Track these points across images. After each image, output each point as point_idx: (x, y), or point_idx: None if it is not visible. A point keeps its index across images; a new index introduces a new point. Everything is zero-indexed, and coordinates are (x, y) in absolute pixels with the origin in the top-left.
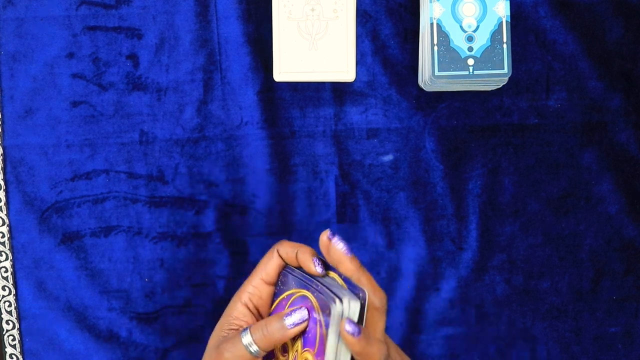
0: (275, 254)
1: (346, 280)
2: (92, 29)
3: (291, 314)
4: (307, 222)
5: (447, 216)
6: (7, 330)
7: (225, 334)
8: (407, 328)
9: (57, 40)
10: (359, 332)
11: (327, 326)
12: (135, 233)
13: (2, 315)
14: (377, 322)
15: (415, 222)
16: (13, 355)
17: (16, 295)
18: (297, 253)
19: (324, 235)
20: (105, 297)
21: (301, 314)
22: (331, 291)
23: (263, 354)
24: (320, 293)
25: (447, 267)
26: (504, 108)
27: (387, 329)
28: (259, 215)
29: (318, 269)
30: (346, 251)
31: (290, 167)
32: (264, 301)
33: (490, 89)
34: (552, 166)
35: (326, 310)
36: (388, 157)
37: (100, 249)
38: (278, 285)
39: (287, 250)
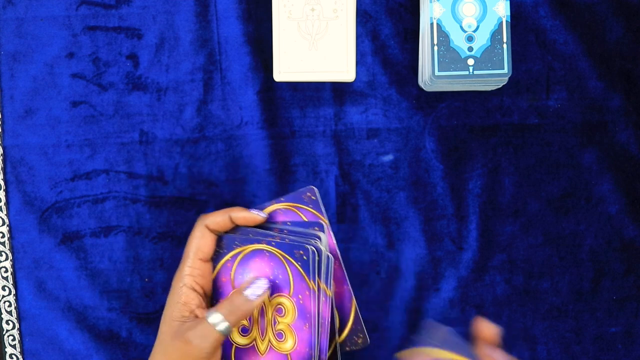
0: (204, 229)
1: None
2: (92, 29)
3: (251, 286)
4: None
5: (447, 216)
6: (7, 330)
7: (181, 322)
8: (407, 328)
9: (57, 40)
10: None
11: (305, 269)
12: (135, 233)
13: (2, 315)
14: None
15: (415, 222)
16: (13, 355)
17: (16, 295)
18: (229, 216)
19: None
20: (105, 297)
21: (262, 284)
22: (295, 241)
23: (232, 329)
24: (284, 243)
25: (447, 267)
26: (504, 108)
27: (387, 329)
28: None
29: (262, 215)
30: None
31: (290, 167)
32: (207, 279)
33: (490, 89)
34: (552, 166)
35: (297, 254)
36: (388, 157)
37: (100, 249)
38: (215, 251)
39: (216, 220)
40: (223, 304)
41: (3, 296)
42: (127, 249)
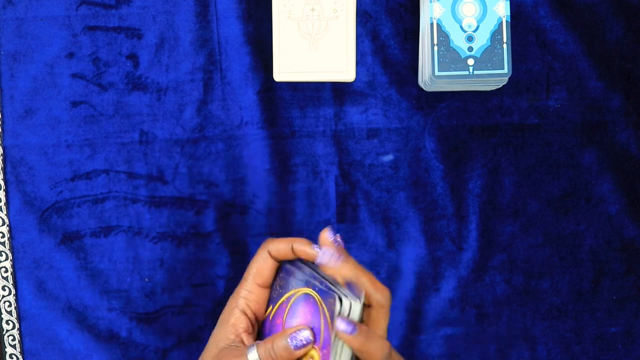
0: (266, 255)
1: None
2: (92, 29)
3: (296, 335)
4: (307, 222)
5: (447, 216)
6: (7, 330)
7: (225, 344)
8: (407, 328)
9: (57, 40)
10: (354, 329)
11: (331, 318)
12: (135, 233)
13: (2, 315)
14: (381, 320)
15: (415, 222)
16: (13, 355)
17: (16, 295)
18: (292, 246)
19: (324, 234)
20: (105, 297)
21: (305, 336)
22: (332, 288)
23: None
24: (322, 289)
25: (447, 267)
26: (504, 108)
27: (387, 329)
28: (259, 215)
29: (317, 252)
30: (337, 259)
31: (290, 167)
32: (261, 305)
33: (490, 89)
34: (552, 166)
35: (329, 305)
36: (388, 157)
37: (100, 249)
38: (276, 288)
39: (278, 248)
40: (264, 344)
41: (3, 296)
42: (127, 249)
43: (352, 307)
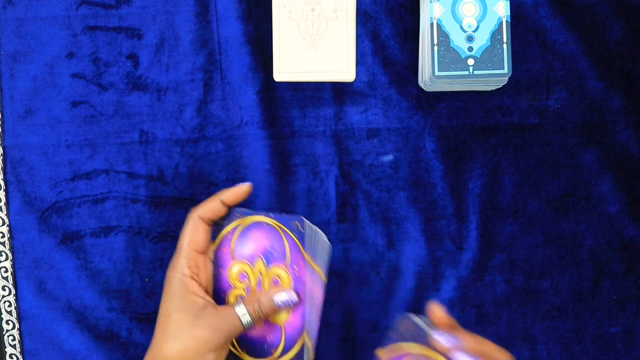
0: (198, 220)
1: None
2: (92, 29)
3: (280, 293)
4: None
5: (447, 216)
6: (7, 330)
7: (197, 310)
8: None
9: (57, 40)
10: (455, 340)
11: (300, 240)
12: (135, 233)
13: (2, 315)
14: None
15: (415, 222)
16: (13, 355)
17: (16, 295)
18: (220, 200)
19: (435, 310)
20: (105, 297)
21: (291, 295)
22: (286, 215)
23: (252, 325)
24: (278, 215)
25: (447, 267)
26: (504, 108)
27: (387, 329)
28: None
29: (247, 184)
30: (454, 340)
31: (290, 167)
32: (202, 271)
33: (490, 89)
34: (552, 166)
35: (293, 227)
36: (388, 157)
37: (100, 249)
38: (215, 225)
39: (208, 208)
40: (250, 300)
41: (3, 296)
42: (127, 249)
43: (310, 227)
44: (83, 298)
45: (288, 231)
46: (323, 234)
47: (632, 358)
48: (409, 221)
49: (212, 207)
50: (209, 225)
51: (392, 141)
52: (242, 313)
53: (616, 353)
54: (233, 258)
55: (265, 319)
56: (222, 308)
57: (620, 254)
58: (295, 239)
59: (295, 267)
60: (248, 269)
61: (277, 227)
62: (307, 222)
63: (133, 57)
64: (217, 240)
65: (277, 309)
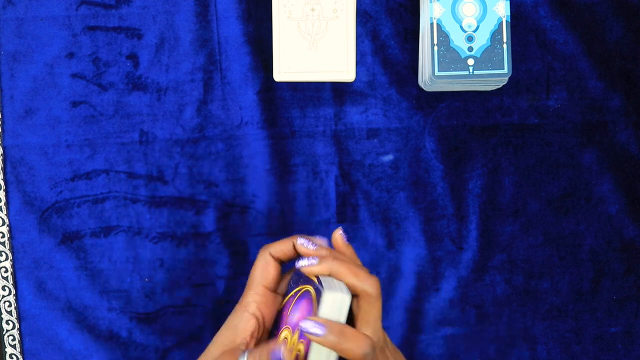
0: (269, 257)
1: None
2: (92, 29)
3: (275, 349)
4: (307, 222)
5: (447, 216)
6: (7, 330)
7: (229, 347)
8: (407, 328)
9: (57, 40)
10: (323, 329)
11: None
12: (135, 233)
13: (2, 315)
14: (372, 310)
15: (415, 222)
16: (13, 355)
17: (16, 295)
18: (293, 243)
19: (337, 232)
20: (105, 297)
21: (281, 353)
22: (322, 284)
23: None
24: (317, 285)
25: (447, 267)
26: (504, 108)
27: (387, 329)
28: (259, 215)
29: (311, 247)
30: (309, 261)
31: (290, 167)
32: (270, 309)
33: (490, 89)
34: (552, 166)
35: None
36: (388, 157)
37: (100, 249)
38: (289, 284)
39: (279, 249)
40: (255, 351)
41: (3, 296)
42: (127, 249)
43: (335, 300)
44: (83, 298)
45: (317, 304)
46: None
47: (632, 358)
48: (409, 221)
49: (284, 247)
50: (279, 264)
51: (392, 141)
52: None
53: (616, 353)
54: (285, 323)
55: None
56: (236, 352)
57: (620, 254)
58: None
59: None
60: (289, 337)
61: (313, 298)
62: (328, 294)
63: (133, 57)
64: (283, 302)
65: None
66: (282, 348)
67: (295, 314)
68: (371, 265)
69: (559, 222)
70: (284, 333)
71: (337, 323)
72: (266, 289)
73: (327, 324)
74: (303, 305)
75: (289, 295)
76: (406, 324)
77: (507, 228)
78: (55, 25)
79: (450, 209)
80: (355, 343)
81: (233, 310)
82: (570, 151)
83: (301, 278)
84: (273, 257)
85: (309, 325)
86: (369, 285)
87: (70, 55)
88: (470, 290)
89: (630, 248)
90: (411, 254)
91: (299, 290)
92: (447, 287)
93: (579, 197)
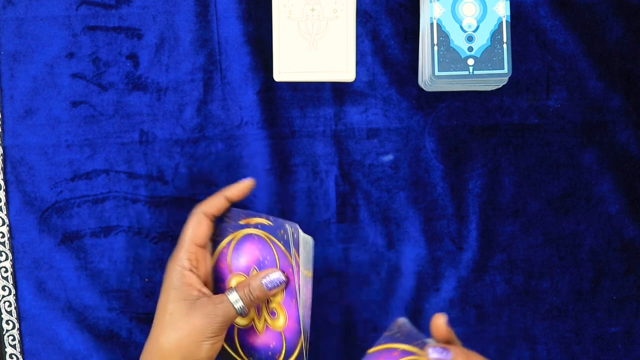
0: (201, 216)
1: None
2: (92, 29)
3: (269, 276)
4: (307, 222)
5: (447, 216)
6: (7, 330)
7: (192, 300)
8: None
9: (57, 40)
10: (448, 355)
11: (286, 247)
12: (135, 233)
13: (2, 315)
14: None
15: (415, 222)
16: (13, 355)
17: (16, 295)
18: (224, 196)
19: (439, 319)
20: (105, 297)
21: (278, 276)
22: (277, 222)
23: (247, 311)
24: (265, 225)
25: (447, 267)
26: (504, 108)
27: (387, 329)
28: None
29: (249, 179)
30: (447, 354)
31: (290, 167)
32: (202, 264)
33: (490, 89)
34: (552, 166)
35: (279, 237)
36: (388, 157)
37: (100, 249)
38: (213, 239)
39: (211, 206)
40: (241, 286)
41: (3, 296)
42: (127, 249)
43: (293, 231)
44: (83, 298)
45: (275, 240)
46: (303, 233)
47: (632, 358)
48: (409, 221)
49: (215, 203)
50: (212, 221)
51: (392, 141)
52: (235, 299)
53: (616, 353)
54: (231, 272)
55: (257, 303)
56: (215, 297)
57: (620, 254)
58: (282, 246)
59: (285, 274)
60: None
61: (265, 237)
62: (290, 228)
63: (133, 57)
64: (215, 255)
65: (266, 290)
66: (277, 271)
67: (242, 258)
68: (371, 265)
69: (559, 222)
70: (234, 280)
71: (459, 346)
72: (197, 247)
73: (449, 348)
74: (248, 248)
75: (220, 248)
76: None
77: (507, 228)
78: (55, 25)
79: (450, 209)
80: None
81: (165, 272)
82: (570, 151)
83: (226, 229)
84: (206, 214)
85: (434, 353)
86: None
87: (70, 55)
88: (470, 290)
89: (630, 248)
90: (411, 254)
91: (231, 239)
92: (447, 287)
93: (579, 197)
